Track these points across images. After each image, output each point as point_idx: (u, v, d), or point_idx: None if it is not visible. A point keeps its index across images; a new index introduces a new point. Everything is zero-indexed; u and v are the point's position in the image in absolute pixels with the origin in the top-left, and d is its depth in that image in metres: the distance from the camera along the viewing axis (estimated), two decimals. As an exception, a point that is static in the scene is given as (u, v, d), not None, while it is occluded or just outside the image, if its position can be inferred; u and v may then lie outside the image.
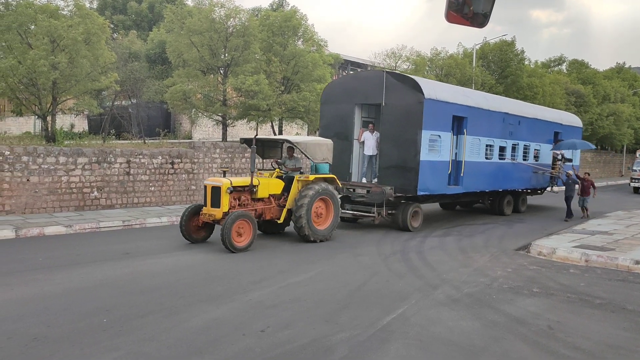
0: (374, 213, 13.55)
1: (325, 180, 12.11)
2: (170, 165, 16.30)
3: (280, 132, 25.43)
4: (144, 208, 15.33)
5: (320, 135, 15.29)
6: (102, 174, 14.70)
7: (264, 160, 13.77)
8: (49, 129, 17.45)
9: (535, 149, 18.60)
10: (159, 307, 6.77)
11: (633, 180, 30.63)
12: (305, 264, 9.64)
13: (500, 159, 16.67)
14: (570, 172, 17.38)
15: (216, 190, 10.66)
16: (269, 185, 11.60)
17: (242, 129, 27.83)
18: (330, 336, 5.93)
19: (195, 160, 17.01)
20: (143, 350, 5.42)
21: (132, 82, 25.02)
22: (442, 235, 13.39)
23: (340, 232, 13.21)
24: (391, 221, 14.03)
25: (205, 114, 23.10)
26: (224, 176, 11.22)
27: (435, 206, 19.03)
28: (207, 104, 21.41)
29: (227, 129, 23.11)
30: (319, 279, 8.53)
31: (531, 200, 21.36)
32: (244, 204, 11.12)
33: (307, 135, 26.13)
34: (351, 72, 30.58)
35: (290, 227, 12.25)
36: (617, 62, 58.64)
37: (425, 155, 13.33)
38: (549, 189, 20.06)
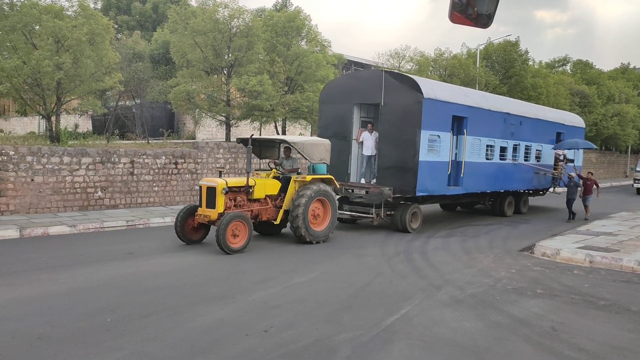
0: (372, 214, 13.44)
1: (323, 180, 11.97)
2: (173, 166, 16.32)
3: (284, 133, 25.45)
4: (148, 208, 15.36)
5: (318, 135, 15.18)
6: (106, 174, 14.74)
7: (262, 161, 13.68)
8: (53, 129, 17.50)
9: (537, 150, 18.44)
10: (163, 307, 6.78)
11: (636, 181, 30.48)
12: (308, 264, 9.64)
13: (501, 159, 16.53)
14: (573, 174, 17.22)
15: (211, 191, 10.53)
16: (265, 185, 11.47)
17: (246, 129, 27.88)
18: (334, 336, 5.93)
19: (199, 161, 17.03)
20: (146, 350, 5.43)
21: (136, 83, 25.07)
22: (445, 236, 13.36)
23: (343, 233, 13.21)
24: (390, 222, 13.93)
25: (208, 114, 23.15)
26: (220, 176, 11.14)
27: (438, 207, 18.99)
28: (211, 104, 21.44)
29: (231, 129, 23.13)
30: (322, 279, 8.53)
31: (534, 201, 21.28)
32: (239, 205, 10.99)
33: (311, 135, 26.13)
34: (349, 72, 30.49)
35: (288, 229, 12.16)
36: (621, 63, 58.48)
37: (424, 155, 13.19)
38: (551, 189, 19.94)
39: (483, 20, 3.62)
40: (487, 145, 15.77)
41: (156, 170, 15.88)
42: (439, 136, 13.69)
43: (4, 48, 16.51)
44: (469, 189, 15.13)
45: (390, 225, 13.99)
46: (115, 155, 14.92)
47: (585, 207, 16.99)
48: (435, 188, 13.99)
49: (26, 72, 15.62)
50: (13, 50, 16.20)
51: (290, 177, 11.67)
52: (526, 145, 17.70)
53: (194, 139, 30.66)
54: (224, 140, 22.81)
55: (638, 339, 6.23)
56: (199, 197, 10.90)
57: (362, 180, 14.54)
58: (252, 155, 11.48)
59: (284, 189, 11.64)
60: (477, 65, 31.01)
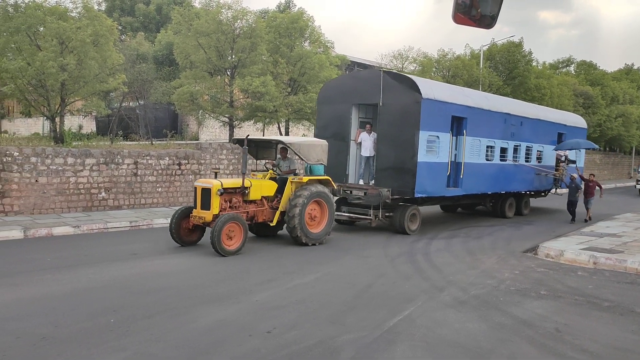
0: (370, 215, 13.29)
1: (320, 182, 11.79)
2: (177, 167, 16.36)
3: (287, 134, 25.48)
4: (151, 209, 15.39)
5: (316, 136, 14.99)
6: (110, 175, 14.78)
7: (258, 161, 13.52)
8: (58, 130, 17.58)
9: (538, 151, 18.27)
10: (166, 307, 6.79)
11: (639, 182, 30.34)
12: (311, 265, 9.64)
13: (501, 160, 16.34)
14: (575, 175, 17.08)
15: (206, 192, 10.36)
16: (261, 186, 11.28)
17: (249, 130, 27.91)
18: (337, 337, 5.93)
19: (202, 162, 17.06)
20: (150, 350, 5.44)
21: (139, 84, 25.15)
22: (449, 237, 13.34)
23: (346, 235, 13.21)
24: (388, 224, 13.79)
25: (212, 115, 23.20)
26: (216, 177, 10.98)
27: (440, 208, 18.95)
28: (214, 105, 21.50)
29: (234, 130, 23.17)
30: (325, 281, 8.53)
31: (537, 202, 21.22)
32: (235, 206, 10.80)
33: (314, 136, 26.13)
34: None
35: (285, 230, 11.95)
36: (625, 64, 58.34)
37: (422, 156, 13.03)
38: (553, 191, 19.78)
39: (486, 21, 3.62)
40: (487, 146, 15.59)
41: (160, 171, 15.92)
42: (438, 137, 13.52)
43: (9, 49, 16.61)
44: (468, 190, 14.97)
45: (389, 227, 13.88)
46: (119, 156, 14.96)
47: (587, 209, 16.86)
48: (434, 189, 13.81)
49: (30, 74, 15.70)
50: (17, 51, 16.29)
51: (287, 178, 11.53)
52: (527, 146, 17.52)
53: (197, 140, 30.70)
54: (227, 141, 22.85)
55: (642, 341, 6.21)
56: (194, 198, 10.76)
57: (361, 182, 14.38)
58: (250, 156, 11.31)
59: (280, 190, 11.46)
60: (481, 66, 30.97)
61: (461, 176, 14.44)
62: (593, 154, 39.68)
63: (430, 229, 14.47)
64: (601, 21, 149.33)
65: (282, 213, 11.33)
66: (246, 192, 10.96)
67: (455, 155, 14.57)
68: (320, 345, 5.69)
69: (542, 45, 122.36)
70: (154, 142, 20.98)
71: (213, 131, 31.52)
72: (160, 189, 15.94)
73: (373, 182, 13.96)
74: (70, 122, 29.06)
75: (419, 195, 13.29)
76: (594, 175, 17.36)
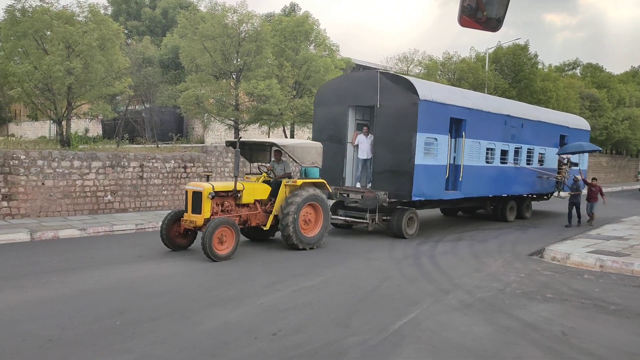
0: (367, 219, 13.06)
1: (315, 185, 11.53)
2: (182, 170, 16.41)
3: (292, 137, 25.52)
4: (157, 212, 15.43)
5: (313, 139, 14.79)
6: (116, 178, 14.84)
7: (252, 164, 13.35)
8: (64, 134, 17.67)
9: (540, 153, 17.95)
10: (172, 310, 6.81)
11: None
12: (316, 268, 9.64)
13: (502, 163, 16.02)
14: (579, 176, 16.89)
15: (197, 196, 10.14)
16: (254, 190, 11.05)
17: (254, 134, 27.98)
18: (342, 340, 5.93)
19: (208, 165, 17.11)
20: (155, 353, 5.45)
21: (145, 87, 25.25)
22: (454, 240, 13.30)
23: (351, 238, 13.19)
24: (386, 227, 13.60)
25: (217, 119, 23.28)
26: (207, 180, 10.80)
27: (440, 212, 18.84)
28: (220, 108, 21.57)
29: (240, 133, 23.22)
30: (330, 283, 8.53)
31: (540, 205, 21.11)
32: (227, 210, 10.57)
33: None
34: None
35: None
36: (632, 66, 58.01)
37: (420, 159, 12.79)
38: (555, 194, 19.54)
39: (492, 24, 3.62)
40: (487, 149, 15.30)
41: (165, 174, 15.97)
42: (436, 139, 13.26)
43: (16, 53, 16.74)
44: (468, 193, 14.68)
45: (386, 231, 13.67)
46: (125, 160, 15.02)
47: (592, 213, 16.59)
48: (432, 192, 13.54)
49: (37, 77, 15.81)
50: (25, 55, 16.42)
51: (281, 181, 11.33)
52: (528, 149, 17.21)
53: (202, 143, 30.76)
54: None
55: (649, 344, 6.17)
56: (184, 202, 10.53)
57: (358, 185, 14.17)
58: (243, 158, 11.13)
59: (274, 194, 11.24)
60: (486, 69, 30.93)
61: (460, 179, 14.21)
62: (599, 156, 39.52)
63: (436, 232, 14.43)
64: (607, 24, 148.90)
65: (276, 217, 11.11)
66: (238, 195, 10.78)
67: (454, 157, 14.32)
68: (326, 348, 5.69)
69: (548, 48, 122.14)
70: (159, 145, 21.03)
71: (218, 134, 31.61)
72: (166, 192, 15.99)
73: (370, 185, 13.74)
74: (77, 126, 29.21)
75: (417, 199, 13.01)
76: (596, 180, 17.15)
